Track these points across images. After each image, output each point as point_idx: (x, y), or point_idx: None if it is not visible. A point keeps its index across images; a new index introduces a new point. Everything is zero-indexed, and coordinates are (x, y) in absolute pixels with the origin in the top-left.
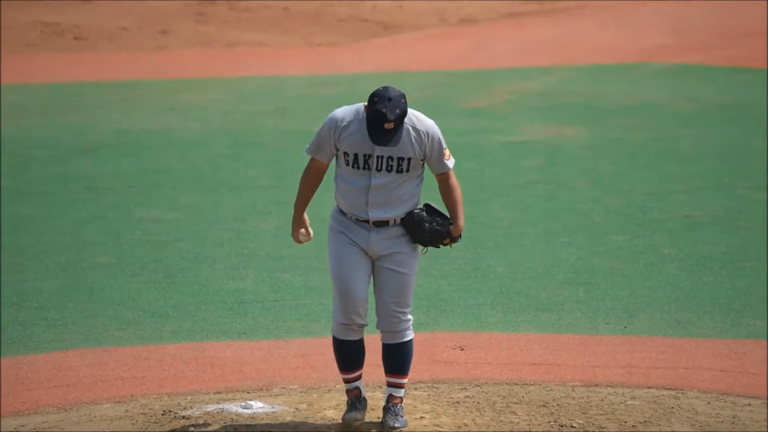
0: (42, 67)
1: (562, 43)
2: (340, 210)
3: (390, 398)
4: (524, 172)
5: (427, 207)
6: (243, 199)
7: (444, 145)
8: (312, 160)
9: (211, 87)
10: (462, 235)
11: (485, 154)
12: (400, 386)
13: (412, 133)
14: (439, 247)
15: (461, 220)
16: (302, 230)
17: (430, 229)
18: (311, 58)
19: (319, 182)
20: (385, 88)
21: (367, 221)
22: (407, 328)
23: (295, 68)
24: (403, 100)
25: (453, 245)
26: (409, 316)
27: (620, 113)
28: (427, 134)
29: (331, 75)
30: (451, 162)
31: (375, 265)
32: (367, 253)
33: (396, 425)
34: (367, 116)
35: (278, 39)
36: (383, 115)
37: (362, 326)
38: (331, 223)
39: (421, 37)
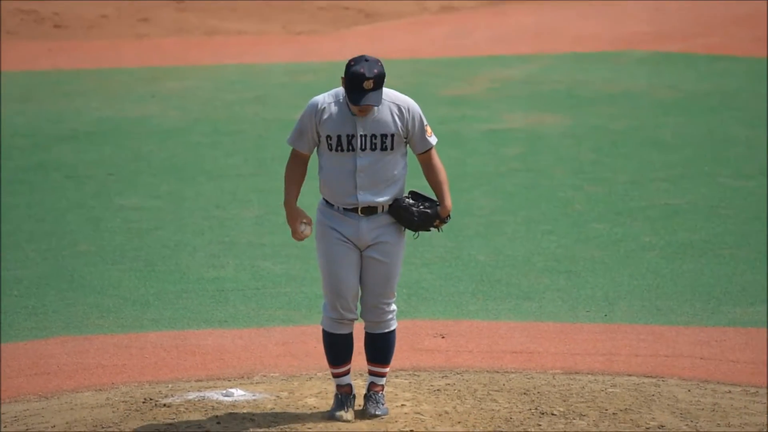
0: (21, 55)
1: (543, 31)
2: (326, 202)
3: (371, 386)
4: (505, 161)
5: (413, 193)
6: (223, 187)
7: (425, 122)
8: (294, 152)
9: (191, 75)
10: (451, 216)
11: (466, 143)
12: (381, 375)
13: (393, 108)
14: (429, 230)
15: (448, 200)
16: (302, 225)
17: (419, 212)
18: (291, 46)
19: (304, 173)
20: (361, 55)
21: (356, 209)
22: (391, 318)
23: (276, 56)
24: (379, 64)
25: (442, 227)
26: (393, 306)
27: (601, 101)
28: (408, 110)
29: (312, 63)
30: (433, 139)
31: (363, 255)
32: (356, 246)
33: (377, 413)
34: (346, 82)
35: (258, 27)
36: (362, 75)
37: (352, 320)
38: (319, 217)
39: (402, 24)
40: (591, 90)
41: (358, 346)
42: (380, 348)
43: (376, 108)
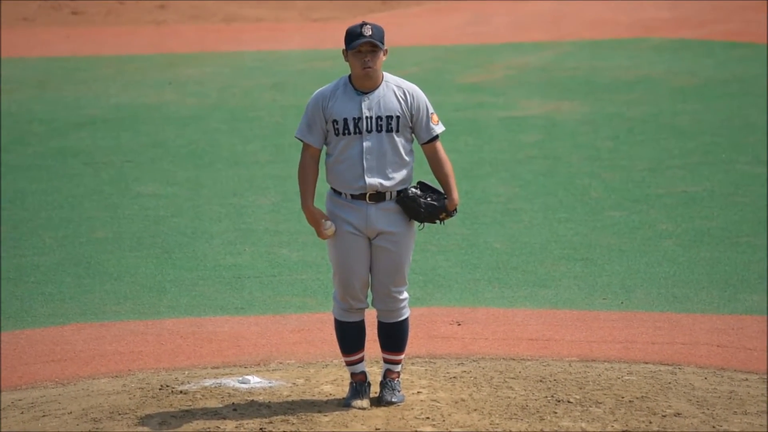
0: (39, 41)
1: (561, 18)
2: (334, 191)
3: (387, 373)
4: (522, 148)
5: (421, 184)
6: (241, 174)
7: (431, 110)
8: (304, 148)
9: (209, 61)
10: (457, 209)
11: (483, 130)
12: (396, 362)
13: (397, 91)
14: (435, 222)
15: (455, 193)
16: (325, 222)
17: (426, 204)
18: (309, 32)
19: (317, 172)
20: None
21: (364, 196)
22: (403, 307)
23: (293, 43)
24: (370, 23)
25: (448, 220)
26: (405, 294)
27: (618, 88)
28: (413, 95)
29: (329, 50)
30: (439, 128)
31: (372, 244)
32: (365, 235)
33: (393, 400)
34: (346, 39)
35: (276, 13)
36: (360, 24)
37: (362, 309)
38: (327, 207)
39: (419, 11)
40: (608, 77)
41: (371, 333)
42: (394, 336)
43: (383, 88)
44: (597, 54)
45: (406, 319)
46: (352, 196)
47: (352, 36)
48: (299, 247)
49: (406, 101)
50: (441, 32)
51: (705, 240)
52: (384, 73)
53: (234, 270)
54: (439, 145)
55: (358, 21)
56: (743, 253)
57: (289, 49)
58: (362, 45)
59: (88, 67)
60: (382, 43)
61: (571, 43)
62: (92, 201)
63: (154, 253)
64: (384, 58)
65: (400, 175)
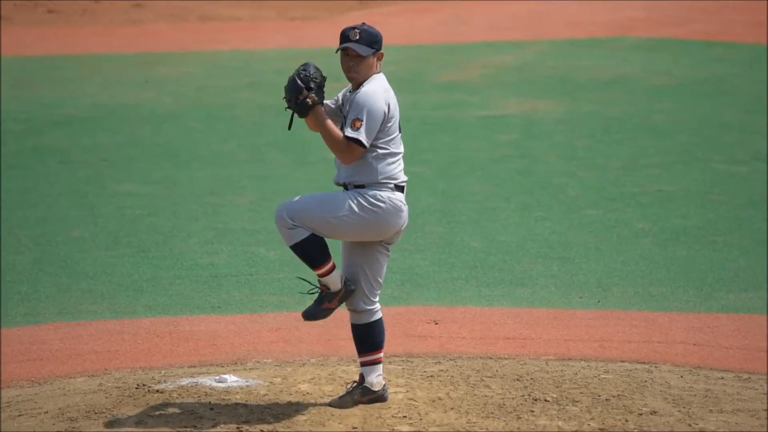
0: (15, 40)
1: (538, 17)
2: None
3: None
4: (499, 147)
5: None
6: (218, 174)
7: (358, 116)
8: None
9: (186, 61)
10: (307, 106)
11: (460, 129)
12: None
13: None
14: (293, 99)
15: (313, 114)
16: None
17: (303, 77)
18: (286, 31)
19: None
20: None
21: (339, 184)
22: (377, 309)
23: (270, 42)
24: (374, 28)
25: (298, 111)
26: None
27: (595, 87)
28: (354, 94)
29: (306, 49)
30: (353, 133)
31: (374, 248)
32: None
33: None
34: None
35: (253, 12)
36: (349, 27)
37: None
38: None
39: (397, 10)
40: (585, 76)
41: (348, 332)
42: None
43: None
44: (574, 53)
45: (381, 319)
46: (336, 183)
47: (341, 38)
48: (276, 246)
49: (345, 99)
50: (418, 31)
51: (681, 239)
52: (376, 75)
53: (211, 269)
54: (351, 144)
55: (339, 21)
56: (719, 251)
57: (267, 48)
58: (344, 48)
59: (65, 66)
60: (372, 48)
61: (548, 42)
62: (69, 200)
63: (130, 253)
64: (376, 61)
65: (358, 170)
